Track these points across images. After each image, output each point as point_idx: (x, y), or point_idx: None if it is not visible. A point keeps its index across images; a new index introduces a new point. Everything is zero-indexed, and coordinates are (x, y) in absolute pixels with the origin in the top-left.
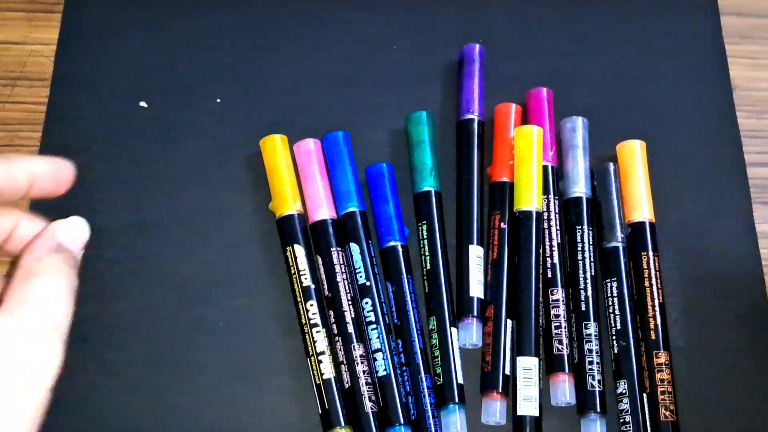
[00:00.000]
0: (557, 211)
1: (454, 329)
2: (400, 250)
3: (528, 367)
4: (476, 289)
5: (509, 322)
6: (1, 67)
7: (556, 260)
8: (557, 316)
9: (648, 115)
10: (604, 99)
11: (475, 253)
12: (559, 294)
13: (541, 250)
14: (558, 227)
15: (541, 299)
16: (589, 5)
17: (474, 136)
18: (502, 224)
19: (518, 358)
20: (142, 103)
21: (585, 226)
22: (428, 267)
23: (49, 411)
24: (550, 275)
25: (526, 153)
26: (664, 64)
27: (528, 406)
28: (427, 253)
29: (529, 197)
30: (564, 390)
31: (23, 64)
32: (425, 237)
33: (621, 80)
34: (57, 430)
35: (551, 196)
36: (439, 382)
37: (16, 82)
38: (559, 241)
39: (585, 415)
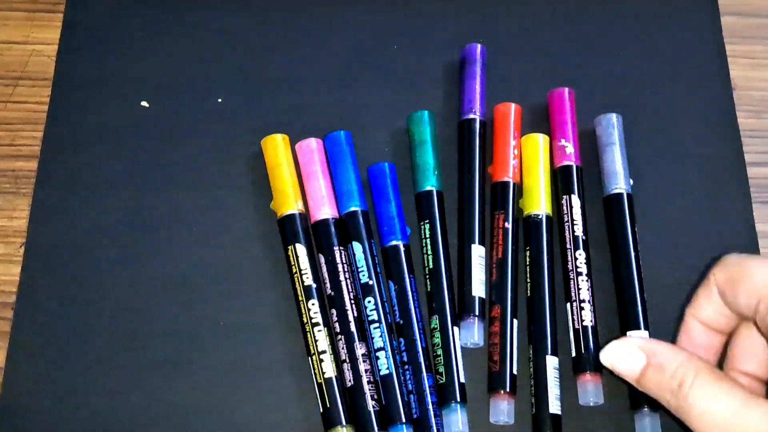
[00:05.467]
0: (582, 210)
1: (456, 328)
2: (402, 249)
3: (556, 366)
4: (478, 288)
5: (515, 321)
6: (3, 66)
7: (582, 260)
8: (583, 318)
9: (648, 115)
10: (604, 98)
11: (477, 253)
12: (585, 294)
13: (552, 252)
14: (583, 226)
15: (562, 299)
16: (589, 5)
17: (475, 135)
18: (506, 224)
19: (548, 358)
20: (144, 103)
21: (627, 222)
22: (430, 266)
23: (49, 410)
24: (574, 276)
25: (534, 158)
26: (665, 63)
27: (555, 405)
28: (429, 252)
29: (546, 201)
30: (592, 390)
31: (25, 63)
32: (427, 236)
33: (621, 80)
34: (57, 430)
35: (574, 196)
36: (441, 381)
37: (18, 81)
38: (584, 239)
39: (638, 410)
